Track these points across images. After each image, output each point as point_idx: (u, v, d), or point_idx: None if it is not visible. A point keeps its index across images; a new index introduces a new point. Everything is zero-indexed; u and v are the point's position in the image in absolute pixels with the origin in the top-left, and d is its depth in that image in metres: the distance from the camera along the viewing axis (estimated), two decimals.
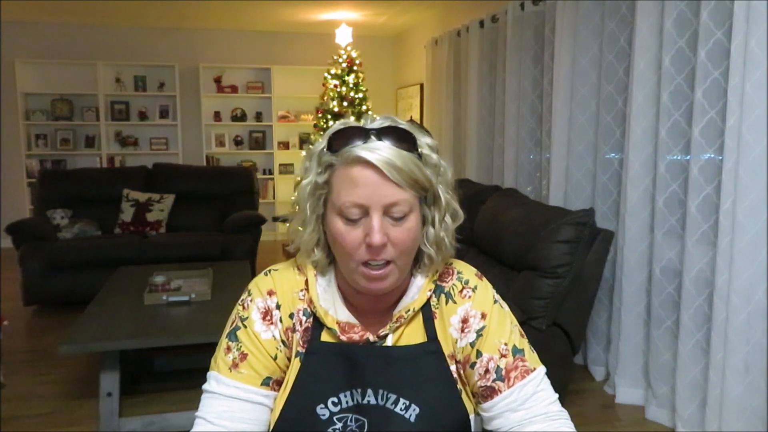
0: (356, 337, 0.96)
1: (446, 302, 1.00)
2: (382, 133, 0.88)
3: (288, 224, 1.02)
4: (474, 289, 1.00)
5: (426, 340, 0.98)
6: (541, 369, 0.98)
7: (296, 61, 6.96)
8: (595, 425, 2.75)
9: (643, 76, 2.74)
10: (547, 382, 0.98)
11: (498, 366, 0.96)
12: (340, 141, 0.89)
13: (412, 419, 0.94)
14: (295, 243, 1.00)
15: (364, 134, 0.88)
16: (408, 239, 0.90)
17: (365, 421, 0.95)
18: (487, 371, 0.96)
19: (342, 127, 0.91)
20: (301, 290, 0.99)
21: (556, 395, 0.98)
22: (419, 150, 0.90)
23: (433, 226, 0.95)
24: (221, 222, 4.98)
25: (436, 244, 0.96)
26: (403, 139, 0.88)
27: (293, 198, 1.01)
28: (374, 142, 0.87)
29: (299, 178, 0.97)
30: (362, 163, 0.86)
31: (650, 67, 2.72)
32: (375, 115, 0.94)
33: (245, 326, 0.97)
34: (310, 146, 1.00)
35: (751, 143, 2.22)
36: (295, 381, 0.95)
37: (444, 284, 1.01)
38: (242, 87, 6.92)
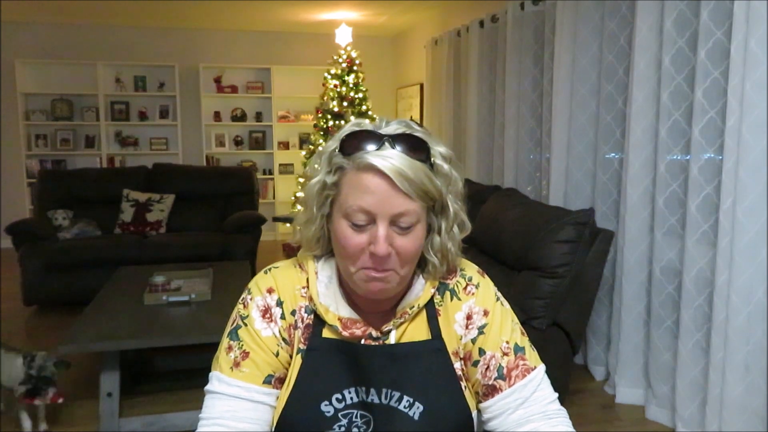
0: (358, 332, 0.95)
1: (451, 299, 1.00)
2: (396, 140, 0.86)
3: (294, 221, 1.02)
4: (477, 286, 1.01)
5: (430, 337, 0.98)
6: (541, 368, 0.98)
7: (296, 61, 6.96)
8: (595, 425, 2.75)
9: (643, 76, 2.74)
10: (546, 380, 0.98)
11: (500, 364, 0.96)
12: (352, 144, 0.88)
13: (416, 417, 0.94)
14: (297, 237, 1.00)
15: (377, 139, 0.87)
16: (412, 249, 0.89)
17: (371, 417, 0.94)
18: (488, 369, 0.96)
19: (355, 129, 0.89)
20: (303, 287, 0.99)
21: (556, 394, 0.98)
22: (432, 159, 0.89)
23: (439, 235, 0.94)
24: (221, 222, 4.98)
25: (441, 253, 0.95)
26: (417, 148, 0.87)
27: (299, 194, 1.01)
28: (387, 150, 0.85)
29: (303, 178, 0.98)
30: (373, 170, 0.85)
31: (650, 67, 2.72)
32: (390, 119, 0.92)
33: (246, 324, 0.96)
34: (319, 147, 1.00)
35: (751, 143, 2.22)
36: (297, 378, 0.95)
37: (448, 281, 1.01)
38: (242, 87, 6.92)
